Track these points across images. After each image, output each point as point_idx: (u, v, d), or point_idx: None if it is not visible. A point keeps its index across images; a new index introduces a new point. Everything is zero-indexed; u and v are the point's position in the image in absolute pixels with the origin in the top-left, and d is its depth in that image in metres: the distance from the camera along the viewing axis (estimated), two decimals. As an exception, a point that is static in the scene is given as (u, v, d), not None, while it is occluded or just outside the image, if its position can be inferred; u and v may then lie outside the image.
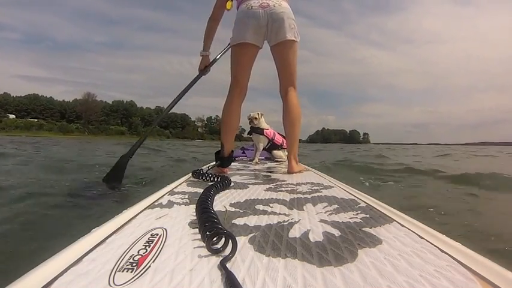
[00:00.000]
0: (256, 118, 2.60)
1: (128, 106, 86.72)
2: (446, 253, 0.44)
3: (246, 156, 3.05)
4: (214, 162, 1.72)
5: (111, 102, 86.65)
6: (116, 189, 2.01)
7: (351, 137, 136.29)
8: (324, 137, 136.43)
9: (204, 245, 0.47)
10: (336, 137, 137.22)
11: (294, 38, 1.57)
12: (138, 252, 0.45)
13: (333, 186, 1.08)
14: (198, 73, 2.09)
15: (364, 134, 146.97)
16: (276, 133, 2.64)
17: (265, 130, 2.59)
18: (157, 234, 0.53)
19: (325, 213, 0.69)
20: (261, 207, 0.75)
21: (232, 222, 0.62)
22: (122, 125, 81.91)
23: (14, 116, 70.68)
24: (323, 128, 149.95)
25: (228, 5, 1.72)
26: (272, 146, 2.63)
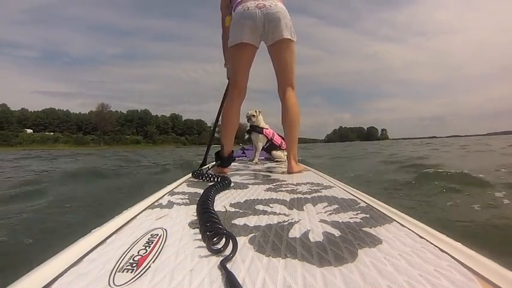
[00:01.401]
0: (254, 115, 2.61)
1: (143, 115, 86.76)
2: (447, 253, 0.44)
3: (246, 156, 3.05)
4: (214, 163, 1.72)
5: (125, 112, 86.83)
6: None
7: (369, 134, 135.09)
8: (341, 135, 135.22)
9: (204, 245, 0.47)
10: (353, 134, 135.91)
11: (290, 37, 1.57)
12: (138, 252, 0.45)
13: (333, 186, 1.08)
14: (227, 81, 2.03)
15: (382, 130, 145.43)
16: (275, 133, 2.64)
17: (264, 129, 2.59)
18: (158, 234, 0.53)
19: (325, 213, 0.69)
20: (261, 207, 0.75)
21: (232, 222, 0.62)
22: (138, 134, 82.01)
23: (31, 131, 71.11)
24: (340, 126, 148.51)
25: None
26: (271, 146, 2.63)
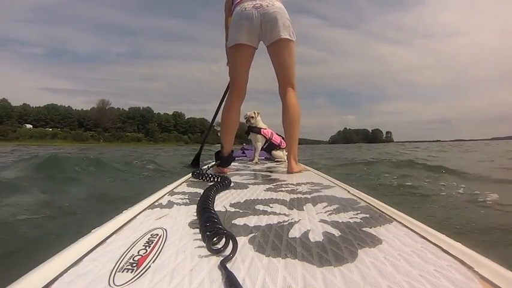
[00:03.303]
0: (252, 117, 2.62)
1: (145, 112, 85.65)
2: (447, 253, 0.44)
3: (246, 156, 3.06)
4: (214, 162, 1.73)
5: (127, 109, 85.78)
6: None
7: (373, 136, 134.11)
8: (346, 137, 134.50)
9: (204, 245, 0.47)
10: (358, 136, 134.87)
11: (288, 37, 1.56)
12: (138, 252, 0.45)
13: (333, 186, 1.08)
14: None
15: (387, 132, 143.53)
16: (273, 133, 2.65)
17: (262, 129, 2.60)
18: (157, 234, 0.53)
19: (325, 213, 0.68)
20: (261, 207, 0.75)
21: (232, 222, 0.62)
22: (139, 132, 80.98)
23: (31, 126, 70.16)
24: (344, 128, 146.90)
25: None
26: (270, 145, 2.63)
